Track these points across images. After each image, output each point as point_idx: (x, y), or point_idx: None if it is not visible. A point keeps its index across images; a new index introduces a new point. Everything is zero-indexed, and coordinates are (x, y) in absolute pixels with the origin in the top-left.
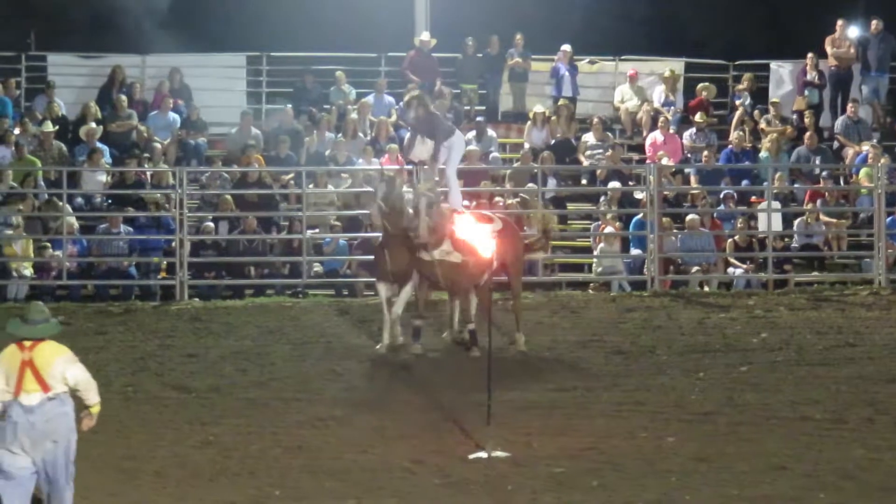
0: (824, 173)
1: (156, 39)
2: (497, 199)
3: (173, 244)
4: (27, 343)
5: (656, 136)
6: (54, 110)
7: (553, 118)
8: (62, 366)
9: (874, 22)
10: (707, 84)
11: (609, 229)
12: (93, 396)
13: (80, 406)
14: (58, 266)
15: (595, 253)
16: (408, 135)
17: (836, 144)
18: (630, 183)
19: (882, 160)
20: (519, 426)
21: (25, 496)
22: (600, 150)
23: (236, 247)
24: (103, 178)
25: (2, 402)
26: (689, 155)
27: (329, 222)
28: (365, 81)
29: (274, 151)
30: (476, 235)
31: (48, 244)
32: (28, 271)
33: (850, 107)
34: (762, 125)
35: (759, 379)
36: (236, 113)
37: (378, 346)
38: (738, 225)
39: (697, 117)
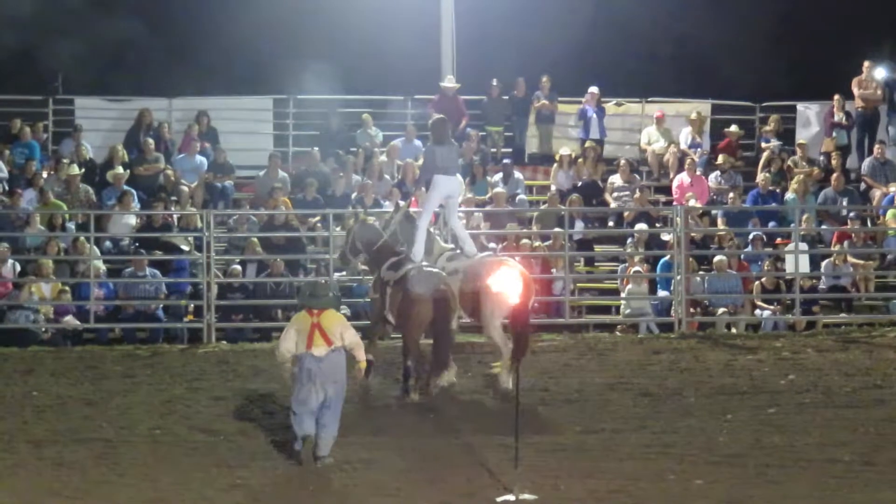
0: (851, 214)
1: (183, 82)
2: (524, 241)
3: (200, 287)
4: (315, 311)
5: (683, 177)
6: (82, 153)
7: (580, 160)
8: (340, 328)
9: None
10: (734, 129)
11: (636, 270)
12: (361, 354)
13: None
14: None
15: (622, 295)
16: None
17: (863, 186)
18: (657, 225)
19: None
20: (546, 468)
21: (312, 419)
22: (627, 192)
23: (263, 289)
24: (133, 221)
25: (294, 354)
26: (715, 196)
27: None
28: (391, 124)
29: (301, 194)
30: None
31: (67, 289)
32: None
33: (876, 148)
34: (790, 166)
35: (787, 421)
36: (263, 156)
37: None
38: (766, 266)
39: (720, 159)
